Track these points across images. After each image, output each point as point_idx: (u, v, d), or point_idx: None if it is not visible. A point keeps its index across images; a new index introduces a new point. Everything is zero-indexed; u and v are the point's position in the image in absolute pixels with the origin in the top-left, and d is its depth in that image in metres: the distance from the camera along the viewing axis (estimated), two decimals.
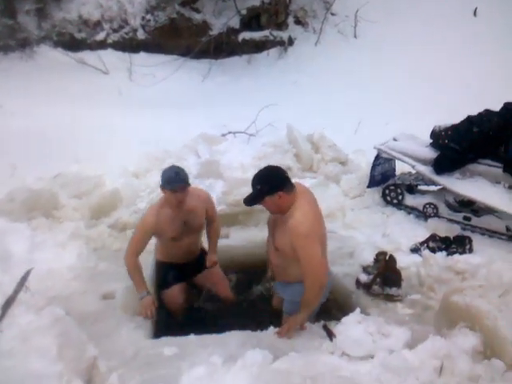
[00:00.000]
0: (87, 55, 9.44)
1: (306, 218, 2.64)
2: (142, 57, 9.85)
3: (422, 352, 2.41)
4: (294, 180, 2.86)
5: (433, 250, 3.77)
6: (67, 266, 3.51)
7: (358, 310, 2.69)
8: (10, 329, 2.41)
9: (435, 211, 4.49)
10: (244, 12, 10.52)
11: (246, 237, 4.27)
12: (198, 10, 10.47)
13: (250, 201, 2.75)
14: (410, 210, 4.67)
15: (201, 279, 3.68)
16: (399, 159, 4.68)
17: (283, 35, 10.64)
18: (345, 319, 2.63)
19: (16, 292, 2.62)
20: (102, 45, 9.90)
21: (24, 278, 2.71)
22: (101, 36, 10.01)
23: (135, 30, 10.13)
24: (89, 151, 5.76)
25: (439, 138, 4.37)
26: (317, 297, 2.77)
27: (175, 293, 3.48)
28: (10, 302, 2.56)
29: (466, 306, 2.53)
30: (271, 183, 2.68)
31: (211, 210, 3.55)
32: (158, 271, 3.61)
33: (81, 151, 5.77)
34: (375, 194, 4.96)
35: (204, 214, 3.45)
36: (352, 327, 2.54)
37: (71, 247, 3.72)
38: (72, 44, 9.80)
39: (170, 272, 3.50)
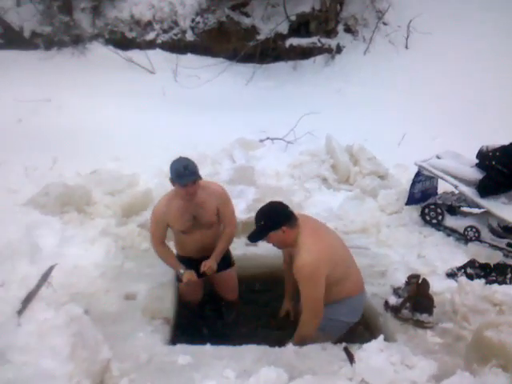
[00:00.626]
0: (136, 54, 9.63)
1: (309, 255, 2.65)
2: (188, 58, 9.95)
3: None
4: (296, 212, 2.88)
5: (470, 277, 3.55)
6: (94, 262, 3.54)
7: (381, 337, 2.54)
8: (28, 324, 2.44)
9: (477, 235, 4.25)
10: (293, 18, 10.44)
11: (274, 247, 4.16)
12: (247, 14, 10.48)
13: (255, 237, 2.81)
14: (450, 231, 4.43)
15: (215, 279, 3.58)
16: (441, 178, 4.46)
17: (331, 43, 10.46)
18: (366, 346, 2.49)
19: (38, 287, 2.66)
20: (150, 45, 10.08)
21: (46, 274, 2.75)
22: (150, 36, 10.20)
23: (184, 32, 10.25)
24: (128, 149, 5.85)
25: (486, 158, 4.14)
26: (310, 331, 2.83)
27: (189, 289, 3.42)
28: (30, 296, 2.59)
29: (499, 343, 2.34)
30: (275, 218, 2.72)
31: (224, 209, 3.33)
32: None
33: (121, 149, 5.88)
34: (414, 212, 4.75)
35: (214, 211, 3.28)
36: (374, 355, 2.39)
37: (100, 244, 3.75)
38: (122, 42, 10.05)
39: (187, 267, 3.40)
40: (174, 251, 3.53)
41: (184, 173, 2.98)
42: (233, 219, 3.45)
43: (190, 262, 3.41)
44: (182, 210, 3.17)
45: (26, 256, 3.20)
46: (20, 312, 2.48)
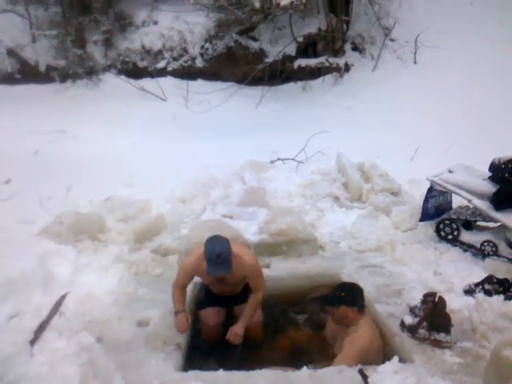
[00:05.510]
0: (148, 82, 9.86)
1: (365, 339, 2.88)
2: (199, 84, 10.15)
3: None
4: None
5: (489, 293, 3.45)
6: (107, 290, 3.54)
7: (395, 358, 2.49)
8: (40, 354, 2.46)
9: (494, 250, 4.14)
10: (300, 39, 10.59)
11: (287, 268, 4.11)
12: (255, 39, 10.69)
13: (329, 301, 3.09)
14: (467, 247, 4.33)
15: (238, 311, 3.53)
16: (454, 192, 4.39)
17: (340, 61, 10.56)
18: (381, 368, 2.43)
19: (50, 317, 2.67)
20: (162, 72, 10.35)
21: (58, 304, 2.76)
22: (161, 64, 10.48)
23: (194, 59, 10.51)
24: (142, 176, 5.94)
25: (499, 170, 4.07)
26: None
27: (209, 315, 3.41)
28: (43, 326, 2.61)
29: None
30: (354, 297, 3.03)
31: (252, 279, 3.31)
32: (200, 291, 3.57)
33: (134, 176, 5.97)
34: (429, 228, 4.67)
35: (241, 278, 3.30)
36: (388, 377, 2.34)
37: (113, 271, 3.76)
38: (134, 72, 10.34)
39: (210, 295, 3.47)
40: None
41: (216, 261, 2.96)
42: (261, 286, 3.38)
43: (214, 294, 3.47)
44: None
45: (39, 286, 3.22)
46: (32, 342, 2.50)
